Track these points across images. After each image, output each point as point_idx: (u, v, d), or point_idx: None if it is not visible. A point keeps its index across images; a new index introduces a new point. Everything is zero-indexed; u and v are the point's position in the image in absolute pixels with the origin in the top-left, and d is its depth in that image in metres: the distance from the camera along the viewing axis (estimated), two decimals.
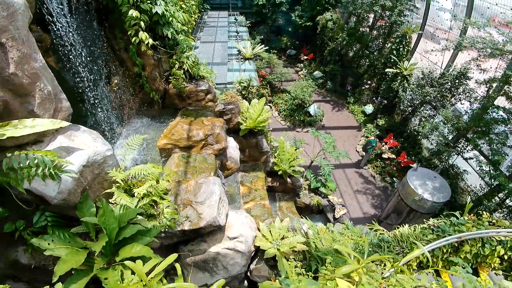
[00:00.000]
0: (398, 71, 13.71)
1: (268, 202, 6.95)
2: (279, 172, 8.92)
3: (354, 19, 18.29)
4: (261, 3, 20.66)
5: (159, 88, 5.98)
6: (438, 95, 11.62)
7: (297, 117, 15.50)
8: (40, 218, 3.68)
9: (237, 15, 20.33)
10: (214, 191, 4.50)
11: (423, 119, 12.94)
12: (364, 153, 13.30)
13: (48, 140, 3.53)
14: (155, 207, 4.21)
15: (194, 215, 4.35)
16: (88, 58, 4.50)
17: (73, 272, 3.40)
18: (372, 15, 16.75)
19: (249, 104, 7.65)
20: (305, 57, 21.68)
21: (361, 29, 17.19)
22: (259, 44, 15.82)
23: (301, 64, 21.63)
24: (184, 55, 5.82)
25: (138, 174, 3.96)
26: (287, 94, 16.30)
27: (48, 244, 3.50)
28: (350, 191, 12.09)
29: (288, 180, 9.30)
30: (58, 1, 3.71)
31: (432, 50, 11.91)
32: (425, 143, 13.08)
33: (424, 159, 12.49)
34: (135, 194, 4.06)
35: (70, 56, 4.11)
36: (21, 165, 3.24)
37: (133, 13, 4.58)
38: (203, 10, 17.91)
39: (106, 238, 3.50)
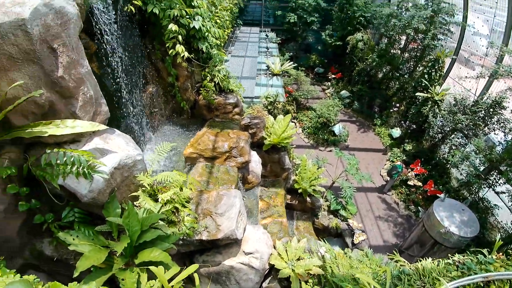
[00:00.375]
0: (429, 95, 13.30)
1: (286, 220, 6.86)
2: (299, 190, 8.81)
3: (386, 41, 18.14)
4: (293, 21, 21.07)
5: (190, 98, 6.21)
6: (471, 123, 11.11)
7: (321, 136, 15.36)
8: (68, 213, 3.85)
9: (268, 31, 20.83)
10: (234, 204, 4.53)
11: (454, 147, 12.37)
12: (388, 178, 12.84)
13: (85, 141, 3.75)
14: (176, 214, 4.29)
15: (213, 226, 4.38)
16: (128, 66, 4.79)
17: (92, 269, 3.51)
18: (404, 37, 16.54)
19: (275, 119, 7.72)
20: (333, 76, 21.65)
21: (392, 51, 16.98)
22: (288, 60, 16.04)
23: (329, 83, 21.59)
24: (216, 69, 6.04)
25: (164, 180, 4.09)
26: (313, 111, 16.26)
27: (73, 239, 3.66)
28: (371, 217, 11.66)
29: (308, 199, 9.15)
30: (106, 12, 4.02)
31: (466, 76, 11.50)
32: (455, 172, 12.44)
33: (452, 189, 11.86)
34: (159, 200, 4.17)
35: (112, 63, 4.40)
36: (58, 161, 3.46)
37: (173, 27, 4.86)
38: (236, 26, 18.53)
39: (128, 240, 3.59)
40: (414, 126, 14.87)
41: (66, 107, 3.44)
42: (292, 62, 15.73)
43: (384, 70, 18.24)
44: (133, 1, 4.51)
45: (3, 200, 3.36)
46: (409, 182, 12.77)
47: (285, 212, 7.20)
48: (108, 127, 3.85)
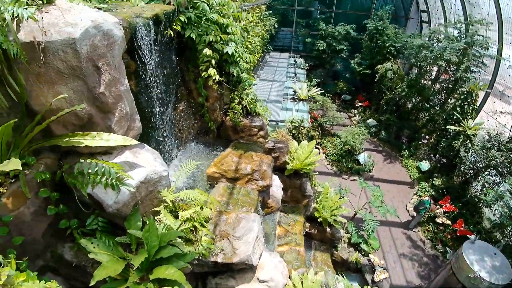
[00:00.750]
0: (461, 129, 12.74)
1: (304, 250, 6.63)
2: (319, 219, 8.55)
3: (416, 71, 17.85)
4: (322, 48, 21.43)
5: (217, 119, 6.39)
6: (506, 161, 10.41)
7: (345, 164, 15.02)
8: (92, 222, 3.97)
9: (297, 57, 21.28)
10: (252, 228, 4.47)
11: (487, 185, 11.57)
12: (415, 214, 12.15)
13: (117, 153, 3.93)
14: (194, 233, 4.29)
15: (229, 248, 4.33)
16: (163, 85, 5.06)
17: (107, 279, 3.55)
18: (435, 68, 16.21)
19: (298, 145, 7.70)
20: (360, 104, 21.45)
21: (422, 82, 16.64)
22: (315, 86, 16.17)
23: (355, 110, 21.38)
24: (245, 92, 6.22)
25: (185, 198, 4.15)
26: (337, 138, 16.05)
27: (94, 247, 3.74)
28: (394, 254, 10.98)
29: (328, 229, 8.83)
30: (148, 35, 4.32)
31: (501, 111, 10.94)
32: (487, 212, 11.54)
33: (484, 231, 10.98)
34: (179, 217, 4.22)
35: (149, 82, 4.67)
36: (90, 171, 3.65)
37: (207, 51, 5.12)
38: (266, 51, 19.14)
39: (145, 254, 3.63)
40: (445, 160, 14.18)
41: (103, 120, 3.66)
42: (319, 88, 15.83)
43: (414, 101, 17.82)
44: (173, 26, 4.83)
45: (34, 203, 3.54)
46: (437, 220, 12.02)
47: (303, 240, 6.98)
48: (139, 142, 4.03)
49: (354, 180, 14.48)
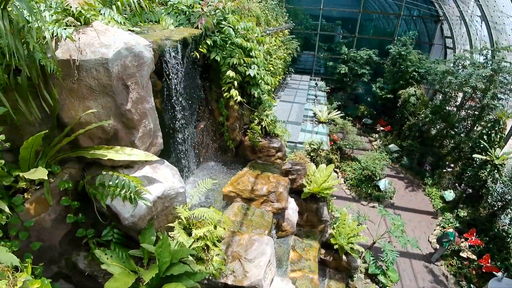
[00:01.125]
0: (488, 158, 12.11)
1: (317, 277, 6.36)
2: (335, 246, 8.23)
3: (440, 97, 17.41)
4: (343, 72, 21.49)
5: (236, 138, 6.48)
6: None
7: (364, 189, 14.57)
8: (108, 233, 4.04)
9: (318, 80, 21.43)
10: (265, 252, 4.37)
11: None
12: (438, 246, 11.46)
13: (137, 168, 4.05)
14: (206, 252, 4.25)
15: (240, 271, 4.24)
16: (186, 104, 5.24)
17: None
18: (460, 95, 15.74)
19: (316, 168, 7.59)
20: (382, 128, 21.04)
21: (447, 108, 16.17)
22: (336, 109, 16.11)
23: (376, 135, 20.96)
24: (265, 113, 6.30)
25: (200, 215, 4.15)
26: (357, 163, 15.69)
27: (107, 258, 3.79)
28: None
29: (344, 257, 8.47)
30: (176, 57, 4.53)
31: None
32: None
33: None
34: (192, 234, 4.21)
35: (173, 101, 4.85)
36: (110, 183, 3.76)
37: (230, 73, 5.29)
38: (287, 73, 19.45)
39: (156, 270, 3.62)
40: (470, 190, 13.44)
41: (127, 136, 3.81)
42: (339, 111, 15.75)
43: (438, 127, 17.27)
44: (199, 48, 5.05)
45: (55, 210, 3.66)
46: (461, 254, 11.25)
47: (317, 268, 6.71)
48: (159, 158, 4.13)
49: (373, 207, 13.97)
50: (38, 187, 3.50)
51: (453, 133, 15.97)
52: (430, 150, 16.99)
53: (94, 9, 3.75)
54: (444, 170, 15.87)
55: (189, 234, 4.28)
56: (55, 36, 3.22)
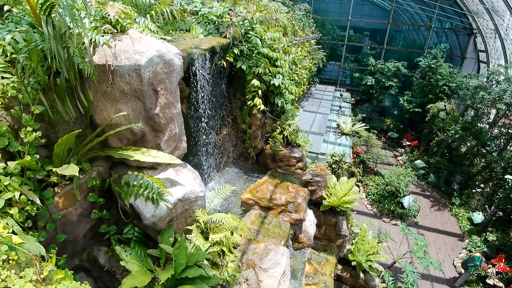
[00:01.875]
0: None
1: None
2: (353, 263, 7.97)
3: (472, 113, 16.57)
4: (370, 83, 21.05)
5: (258, 146, 6.53)
6: None
7: (386, 205, 14.05)
8: (129, 231, 4.17)
9: (343, 91, 21.13)
10: (280, 262, 4.33)
11: None
12: (462, 271, 10.76)
13: (161, 169, 4.19)
14: (221, 258, 4.28)
15: (254, 279, 4.21)
16: (212, 110, 5.37)
17: None
18: (494, 111, 14.90)
19: (337, 180, 7.45)
20: (408, 143, 20.29)
21: (478, 125, 15.34)
22: (360, 121, 15.79)
23: (402, 150, 20.23)
24: (287, 122, 6.31)
25: (218, 221, 4.20)
26: (381, 177, 15.19)
27: (126, 255, 3.91)
28: None
29: (362, 275, 8.17)
30: (204, 65, 4.68)
31: None
32: None
33: None
34: (209, 239, 4.26)
35: (199, 106, 4.99)
36: (135, 183, 3.91)
37: (255, 82, 5.37)
38: (312, 83, 19.35)
39: (172, 271, 3.69)
40: (501, 213, 12.57)
41: (154, 138, 3.96)
42: (364, 124, 15.42)
43: (468, 144, 16.39)
44: (226, 57, 5.18)
45: (82, 205, 3.83)
46: (488, 281, 10.47)
47: (333, 284, 6.51)
48: (182, 162, 4.25)
49: (395, 224, 13.42)
50: (68, 182, 3.68)
51: (485, 151, 15.10)
52: (459, 168, 16.13)
53: (130, 17, 3.97)
54: (473, 190, 14.99)
55: (206, 238, 4.33)
56: (93, 42, 3.44)
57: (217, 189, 4.72)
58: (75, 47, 3.22)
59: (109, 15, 3.62)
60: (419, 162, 17.79)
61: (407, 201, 13.82)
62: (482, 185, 14.82)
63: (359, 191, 14.99)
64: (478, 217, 13.55)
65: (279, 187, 5.71)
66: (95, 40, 3.41)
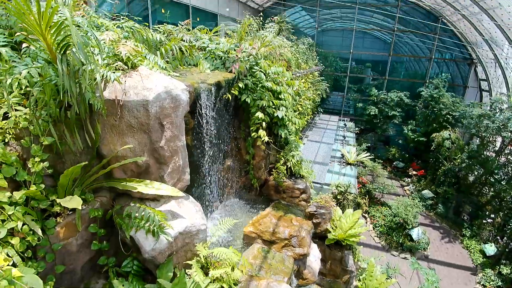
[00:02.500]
0: None
1: None
2: None
3: (477, 141, 16.47)
4: (373, 113, 21.27)
5: (261, 177, 6.52)
6: None
7: (395, 238, 13.59)
8: (128, 264, 4.07)
9: (347, 121, 21.35)
10: None
11: None
12: None
13: (164, 201, 4.18)
14: None
15: None
16: (216, 141, 5.45)
17: None
18: (500, 139, 14.79)
19: (343, 212, 7.30)
20: (414, 173, 20.04)
21: (485, 153, 15.17)
22: (365, 151, 15.77)
23: (409, 179, 19.95)
24: (291, 154, 6.34)
25: (219, 255, 4.10)
26: (387, 208, 14.86)
27: None
28: None
29: None
30: (209, 99, 4.82)
31: None
32: None
33: None
34: (209, 274, 4.12)
35: (204, 138, 5.08)
36: (137, 214, 3.89)
37: (259, 114, 5.49)
38: (316, 112, 19.65)
39: None
40: None
41: (157, 170, 3.99)
42: (368, 154, 15.37)
43: (476, 173, 16.12)
44: (231, 90, 5.35)
45: (83, 236, 3.79)
46: None
47: None
48: (185, 194, 4.24)
49: (405, 258, 12.90)
50: (70, 212, 3.68)
51: (493, 180, 14.81)
52: (468, 198, 15.77)
53: (141, 54, 4.18)
54: (484, 221, 14.52)
55: (206, 274, 4.19)
56: (105, 78, 3.60)
57: (219, 222, 4.65)
58: (87, 83, 3.36)
59: (121, 53, 3.82)
60: (426, 192, 17.46)
61: (416, 233, 13.39)
62: (492, 215, 14.40)
63: (366, 222, 14.61)
64: (491, 249, 13.01)
65: (282, 220, 5.60)
66: (107, 76, 3.57)
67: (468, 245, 13.92)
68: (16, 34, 3.51)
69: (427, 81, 21.80)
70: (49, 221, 3.43)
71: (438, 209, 16.48)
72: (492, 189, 14.82)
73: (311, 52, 18.14)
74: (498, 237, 13.45)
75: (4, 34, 3.55)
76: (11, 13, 3.40)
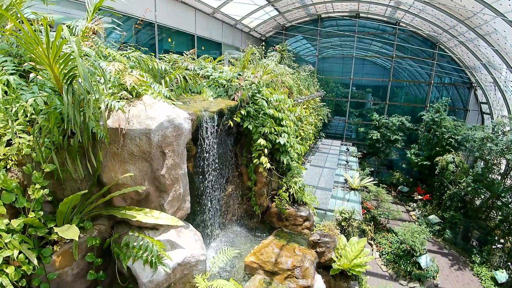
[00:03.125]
0: None
1: None
2: None
3: (482, 164, 16.27)
4: (375, 138, 21.30)
5: (263, 204, 6.41)
6: None
7: (402, 266, 13.07)
8: None
9: (349, 145, 21.35)
10: None
11: None
12: None
13: (163, 230, 4.08)
14: None
15: None
16: (217, 168, 5.42)
17: None
18: (504, 161, 14.61)
19: (347, 240, 7.09)
20: (420, 197, 19.67)
21: (490, 176, 14.93)
22: (368, 176, 15.61)
23: (414, 204, 19.54)
24: (293, 180, 6.28)
25: None
26: (394, 235, 14.43)
27: None
28: None
29: None
30: (212, 127, 4.86)
31: None
32: None
33: None
34: None
35: (206, 165, 5.06)
36: (135, 244, 3.79)
37: (261, 141, 5.51)
38: (318, 137, 19.72)
39: None
40: None
41: (157, 199, 3.94)
42: (372, 178, 15.20)
43: (482, 197, 15.78)
44: (234, 117, 5.41)
45: (79, 265, 3.67)
46: None
47: None
48: (184, 223, 4.16)
49: (413, 287, 12.34)
50: (68, 240, 3.59)
51: (500, 203, 14.46)
52: (476, 222, 15.33)
53: (146, 83, 4.27)
54: (493, 246, 14.00)
55: None
56: (109, 107, 3.66)
57: (219, 252, 4.52)
58: (91, 112, 3.42)
59: (126, 83, 3.91)
60: (433, 217, 17.03)
61: (424, 260, 12.90)
62: (502, 240, 13.91)
63: (372, 250, 14.14)
64: (502, 275, 12.44)
65: (285, 249, 5.43)
66: (111, 105, 3.63)
67: (479, 272, 13.35)
68: (24, 64, 3.63)
69: (428, 105, 22.01)
70: (45, 249, 3.37)
71: (446, 234, 15.99)
72: (500, 212, 14.47)
73: (312, 79, 18.55)
74: (509, 263, 12.91)
75: (14, 62, 3.67)
76: (20, 44, 3.53)
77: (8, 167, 3.21)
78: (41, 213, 3.34)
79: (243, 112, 5.43)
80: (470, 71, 20.12)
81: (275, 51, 12.90)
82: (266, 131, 5.57)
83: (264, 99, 5.75)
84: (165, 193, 3.91)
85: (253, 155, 5.72)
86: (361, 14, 22.47)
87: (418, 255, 13.00)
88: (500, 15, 12.78)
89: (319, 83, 20.54)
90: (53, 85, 3.59)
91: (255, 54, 9.04)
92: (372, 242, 14.68)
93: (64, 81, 3.37)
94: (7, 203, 3.09)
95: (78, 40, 4.26)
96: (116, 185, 3.80)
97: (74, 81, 3.45)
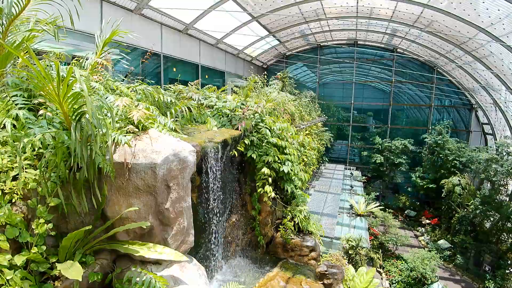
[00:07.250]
0: None
1: None
2: None
3: (489, 186, 15.98)
4: (379, 161, 21.19)
5: (268, 234, 6.29)
6: None
7: None
8: None
9: (353, 169, 21.22)
10: None
11: None
12: None
13: (166, 265, 3.98)
14: None
15: None
16: (221, 198, 5.39)
17: None
18: (511, 182, 14.34)
19: (356, 270, 6.85)
20: (428, 221, 19.19)
21: (498, 197, 14.60)
22: (374, 201, 15.35)
23: (422, 229, 19.03)
24: (298, 209, 6.20)
25: None
26: (403, 262, 13.92)
27: None
28: None
29: None
30: (216, 157, 4.89)
31: None
32: None
33: None
34: None
35: (210, 195, 5.03)
36: (137, 279, 3.68)
37: (265, 170, 5.52)
38: (321, 162, 19.67)
39: None
40: None
41: (161, 232, 3.89)
42: (378, 203, 14.94)
43: (492, 219, 15.34)
44: (237, 147, 5.45)
45: None
46: None
47: None
48: (188, 258, 4.07)
49: None
50: None
51: (510, 226, 14.04)
52: (487, 246, 14.80)
53: (152, 117, 4.37)
54: (507, 271, 13.40)
55: None
56: (115, 141, 3.71)
57: (223, 287, 4.37)
58: (98, 148, 3.47)
59: (133, 117, 4.00)
60: (442, 242, 16.50)
61: None
62: None
63: (382, 278, 13.59)
64: None
65: (291, 282, 5.25)
66: (118, 139, 3.69)
67: None
68: (34, 98, 3.74)
69: (430, 127, 22.08)
70: (46, 285, 3.28)
71: (457, 260, 15.41)
72: (510, 235, 14.02)
73: (314, 104, 18.86)
74: None
75: (24, 96, 3.78)
76: (31, 82, 3.66)
77: (13, 201, 3.22)
78: (44, 247, 3.29)
79: (246, 141, 5.49)
80: (470, 93, 20.37)
81: (277, 80, 13.23)
82: (269, 160, 5.59)
83: (267, 128, 5.83)
84: (169, 226, 3.87)
85: (257, 184, 5.70)
86: (359, 42, 23.23)
87: (429, 283, 12.47)
88: (495, 39, 13.13)
89: (320, 108, 20.84)
90: (62, 121, 3.68)
91: (258, 83, 9.27)
92: (381, 270, 14.14)
93: (73, 117, 3.45)
94: (11, 238, 3.06)
95: (88, 76, 4.42)
96: (120, 219, 3.76)
97: (83, 118, 3.54)
